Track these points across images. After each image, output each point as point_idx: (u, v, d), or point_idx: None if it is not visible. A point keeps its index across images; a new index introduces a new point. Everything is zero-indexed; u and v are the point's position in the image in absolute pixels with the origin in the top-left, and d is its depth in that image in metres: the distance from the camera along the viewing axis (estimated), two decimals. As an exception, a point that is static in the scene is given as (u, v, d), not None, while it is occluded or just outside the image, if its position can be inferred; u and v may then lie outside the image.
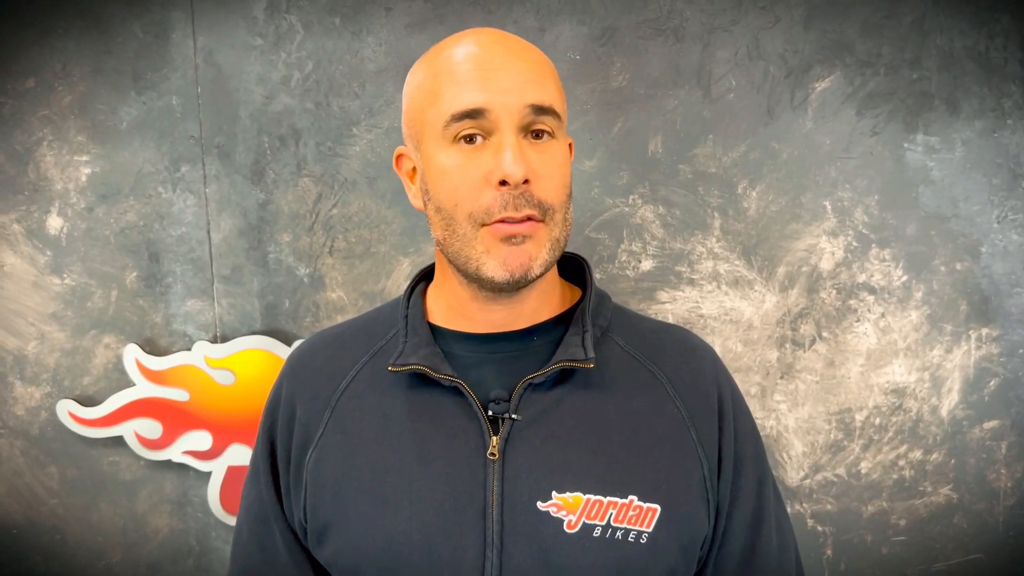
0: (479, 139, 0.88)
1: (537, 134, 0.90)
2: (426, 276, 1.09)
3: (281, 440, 1.03)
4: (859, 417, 1.66)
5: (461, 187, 0.89)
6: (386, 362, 0.99)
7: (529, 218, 0.88)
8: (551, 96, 0.90)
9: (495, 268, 0.89)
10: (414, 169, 0.97)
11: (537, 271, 0.90)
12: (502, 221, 0.88)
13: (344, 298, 1.70)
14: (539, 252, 0.90)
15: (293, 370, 1.07)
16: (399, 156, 1.01)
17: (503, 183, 0.87)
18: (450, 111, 0.88)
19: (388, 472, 0.94)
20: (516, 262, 0.89)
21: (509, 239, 0.88)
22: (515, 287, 0.91)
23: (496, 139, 0.88)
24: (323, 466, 0.98)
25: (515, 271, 0.89)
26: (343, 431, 0.99)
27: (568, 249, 1.08)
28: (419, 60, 0.97)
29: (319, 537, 0.98)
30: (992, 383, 1.64)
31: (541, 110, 0.88)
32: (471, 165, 0.88)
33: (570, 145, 1.02)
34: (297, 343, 1.67)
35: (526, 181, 0.87)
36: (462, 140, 0.89)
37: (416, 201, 0.98)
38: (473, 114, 0.87)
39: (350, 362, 1.03)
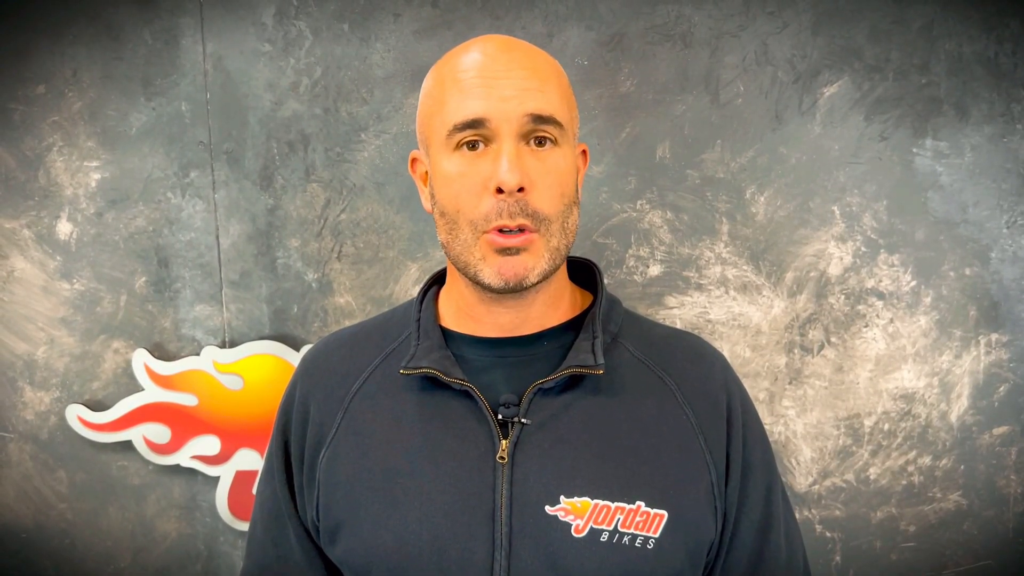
0: (481, 145, 0.90)
1: (539, 141, 0.91)
2: (438, 280, 1.10)
3: (295, 439, 1.05)
4: (868, 423, 1.65)
5: (463, 193, 0.91)
6: (398, 364, 1.00)
7: (523, 228, 0.89)
8: (553, 105, 0.91)
9: (491, 275, 0.91)
10: (427, 173, 0.99)
11: (533, 279, 0.92)
12: (498, 230, 0.90)
13: (352, 303, 1.70)
14: (536, 262, 0.92)
15: (307, 370, 1.08)
16: (413, 160, 1.03)
17: (499, 190, 0.88)
18: (452, 121, 0.90)
19: (399, 473, 0.95)
20: (511, 272, 0.91)
21: (504, 251, 0.90)
22: (513, 291, 0.93)
23: (496, 146, 0.90)
24: (336, 466, 0.99)
25: (510, 280, 0.91)
26: (355, 432, 1.00)
27: (576, 254, 1.09)
28: (433, 66, 0.99)
29: (331, 536, 0.99)
30: (1002, 389, 1.63)
31: (541, 119, 0.90)
32: (472, 171, 0.90)
33: (584, 152, 1.03)
34: (309, 345, 1.67)
35: (521, 189, 0.88)
36: (464, 146, 0.91)
37: (427, 204, 1.00)
38: (474, 124, 0.89)
39: (363, 363, 1.04)
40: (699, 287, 1.65)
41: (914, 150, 1.59)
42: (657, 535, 0.91)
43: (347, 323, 1.67)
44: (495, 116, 0.88)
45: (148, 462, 1.72)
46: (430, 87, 0.97)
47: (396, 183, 1.66)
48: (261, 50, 1.65)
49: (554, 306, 1.01)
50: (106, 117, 1.67)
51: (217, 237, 1.69)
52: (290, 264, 1.70)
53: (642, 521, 0.92)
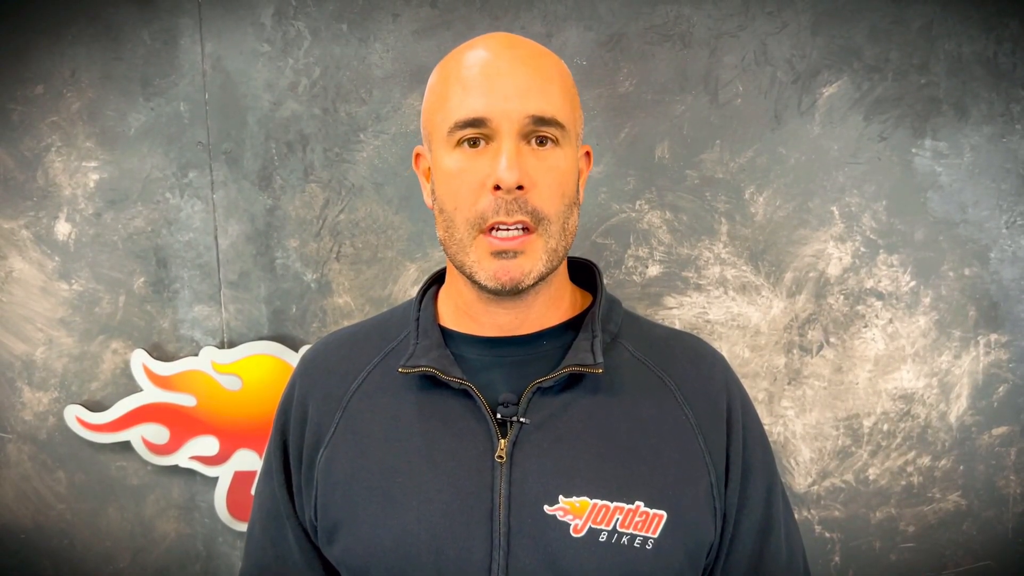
0: (482, 143, 0.90)
1: (540, 140, 0.91)
2: (438, 279, 1.10)
3: (293, 439, 1.05)
4: (867, 423, 1.65)
5: (461, 190, 0.91)
6: (397, 363, 0.99)
7: (522, 226, 0.89)
8: (555, 106, 0.91)
9: (486, 278, 0.92)
10: (429, 168, 0.99)
11: (529, 282, 0.92)
12: (495, 227, 0.90)
13: (351, 303, 1.70)
14: (533, 265, 0.91)
15: (306, 370, 1.08)
16: (417, 155, 1.03)
17: (497, 187, 0.88)
18: (454, 118, 0.90)
19: (397, 473, 0.95)
20: (507, 276, 0.91)
21: (500, 253, 0.90)
22: (509, 294, 0.93)
23: (496, 144, 0.90)
24: (334, 465, 0.99)
25: (506, 283, 0.91)
26: (354, 431, 0.99)
27: (575, 254, 1.09)
28: (439, 63, 0.99)
29: (329, 536, 0.99)
30: (1001, 389, 1.63)
31: (542, 121, 0.89)
32: (472, 169, 0.90)
33: (588, 153, 1.03)
34: (308, 345, 1.67)
35: (520, 187, 0.88)
36: (465, 144, 0.90)
37: (428, 200, 1.00)
38: (475, 123, 0.89)
39: (362, 363, 1.04)
40: (698, 287, 1.65)
41: (913, 150, 1.59)
42: (656, 535, 0.91)
43: (346, 323, 1.67)
44: (496, 115, 0.88)
45: (147, 462, 1.72)
46: (434, 83, 0.97)
47: (395, 183, 1.66)
48: (260, 50, 1.65)
49: (554, 306, 1.01)
50: (105, 117, 1.67)
51: (216, 237, 1.69)
52: (289, 264, 1.69)
53: (641, 521, 0.91)
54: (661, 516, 0.92)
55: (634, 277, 1.65)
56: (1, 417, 1.75)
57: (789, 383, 1.66)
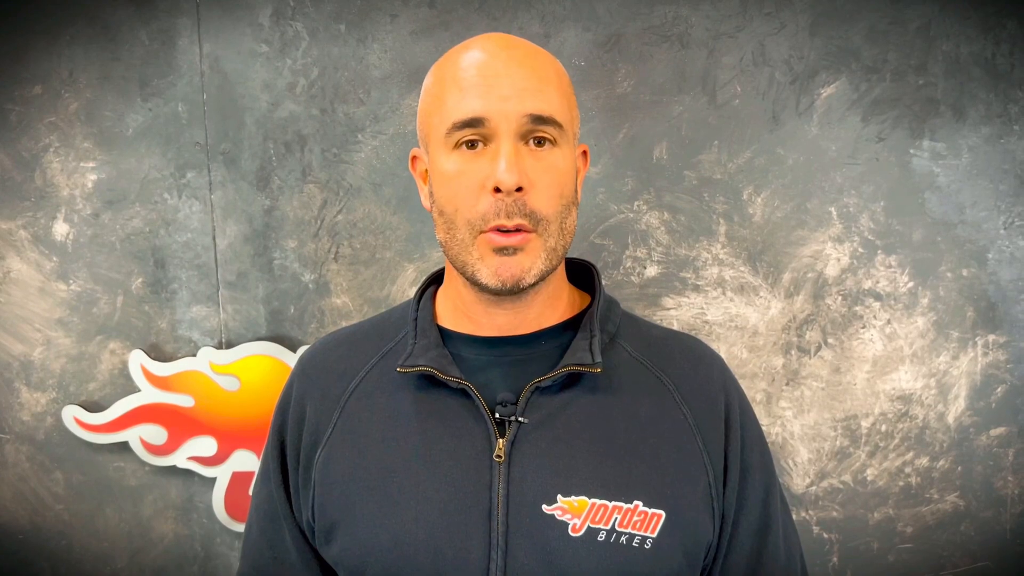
0: (480, 145, 0.90)
1: (539, 141, 0.91)
2: (437, 279, 1.10)
3: (291, 439, 1.04)
4: (865, 424, 1.65)
5: (460, 193, 0.91)
6: (395, 363, 0.99)
7: (520, 228, 0.89)
8: (552, 105, 0.91)
9: (488, 276, 0.91)
10: (427, 171, 0.99)
11: (530, 280, 0.92)
12: (495, 229, 0.90)
13: (349, 304, 1.70)
14: (533, 263, 0.92)
15: (304, 370, 1.08)
16: (414, 158, 1.03)
17: (497, 190, 0.88)
18: (452, 119, 0.90)
19: (395, 472, 0.95)
20: (508, 272, 0.91)
21: (501, 250, 0.90)
22: (510, 293, 0.93)
23: (495, 146, 0.90)
24: (331, 465, 0.99)
25: (507, 281, 0.91)
26: (351, 431, 0.99)
27: (573, 255, 1.09)
28: (434, 64, 0.99)
29: (326, 536, 0.99)
30: (999, 390, 1.63)
31: (540, 120, 0.90)
32: (471, 171, 0.90)
33: (584, 152, 1.03)
34: (306, 346, 1.67)
35: (520, 189, 0.88)
36: (464, 146, 0.91)
37: (426, 202, 1.00)
38: (473, 123, 0.89)
39: (360, 363, 1.04)
40: (696, 288, 1.65)
41: (911, 151, 1.59)
42: (655, 535, 0.91)
43: (344, 324, 1.67)
44: (494, 115, 0.88)
45: (145, 463, 1.72)
46: (430, 85, 0.97)
47: (393, 184, 1.66)
48: (258, 51, 1.65)
49: (552, 306, 1.01)
50: (103, 118, 1.67)
51: (214, 238, 1.69)
52: (287, 265, 1.69)
53: (640, 520, 0.91)
54: (660, 515, 0.92)
55: (632, 278, 1.65)
56: (-1, 418, 1.75)
57: (787, 384, 1.66)
